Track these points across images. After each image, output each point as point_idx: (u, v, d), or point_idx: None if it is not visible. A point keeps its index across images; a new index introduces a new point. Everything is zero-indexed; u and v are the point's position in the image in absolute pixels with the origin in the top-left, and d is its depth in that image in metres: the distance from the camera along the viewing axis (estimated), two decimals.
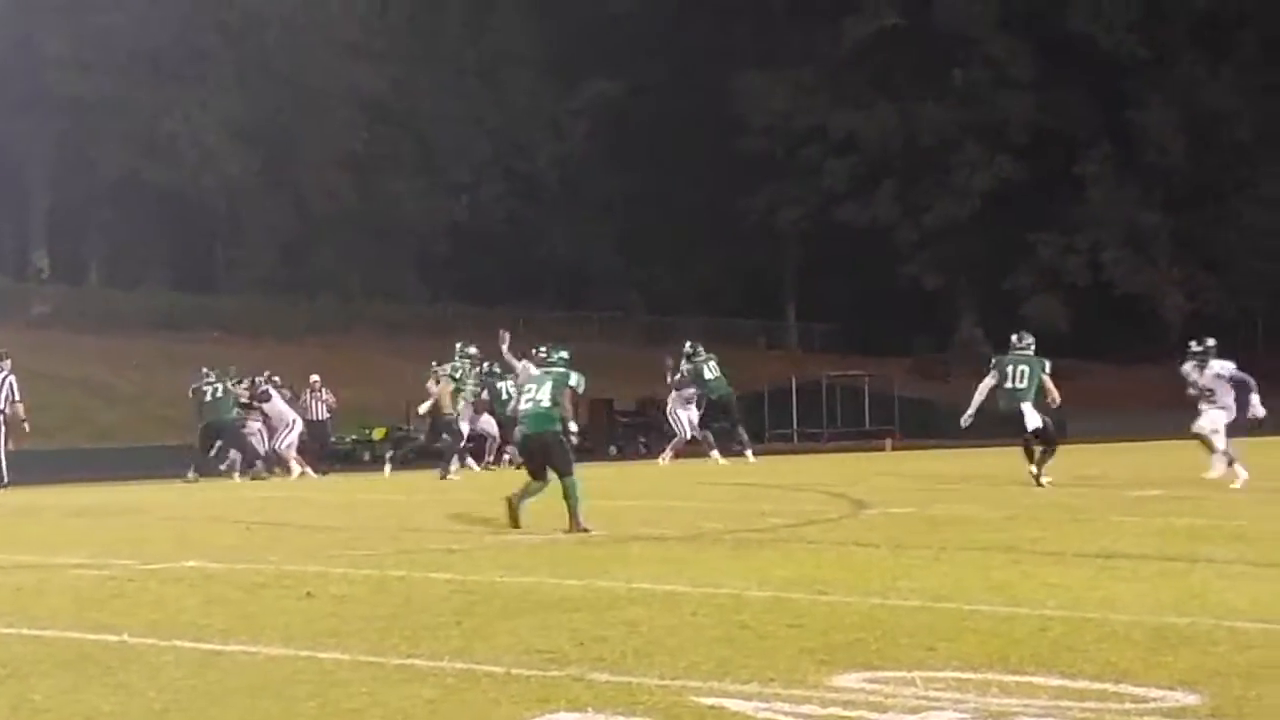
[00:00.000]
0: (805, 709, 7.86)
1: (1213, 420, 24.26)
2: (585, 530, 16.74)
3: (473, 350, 33.02)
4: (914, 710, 7.80)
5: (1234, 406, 24.14)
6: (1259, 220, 77.97)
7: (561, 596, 12.08)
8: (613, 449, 43.89)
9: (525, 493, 17.50)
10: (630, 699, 8.15)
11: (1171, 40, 78.75)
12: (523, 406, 17.66)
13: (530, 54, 76.06)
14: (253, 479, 32.68)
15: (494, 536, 17.06)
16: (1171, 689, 8.25)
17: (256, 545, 16.72)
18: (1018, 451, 27.19)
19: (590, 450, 35.87)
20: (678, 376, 33.86)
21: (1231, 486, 22.99)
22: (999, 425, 27.65)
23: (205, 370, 34.28)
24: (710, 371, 33.90)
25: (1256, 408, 24.36)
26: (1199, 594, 11.89)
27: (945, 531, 16.91)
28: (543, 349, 20.06)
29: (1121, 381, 70.65)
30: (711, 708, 7.92)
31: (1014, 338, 24.77)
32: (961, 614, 10.96)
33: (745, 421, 35.58)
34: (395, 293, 71.17)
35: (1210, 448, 24.54)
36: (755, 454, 34.38)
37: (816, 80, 77.98)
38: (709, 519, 18.72)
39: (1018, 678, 8.57)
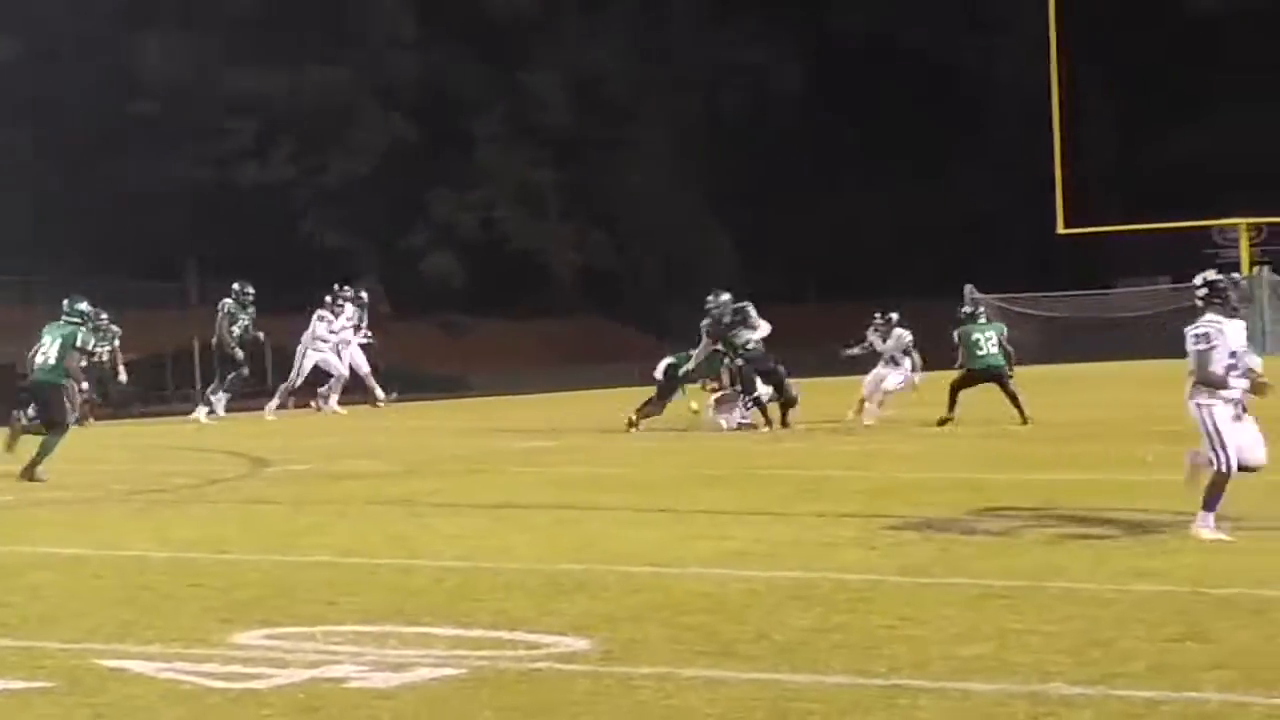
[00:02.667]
0: (207, 668, 8.00)
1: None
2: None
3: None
4: (313, 665, 8.01)
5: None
6: (637, 175, 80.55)
7: None
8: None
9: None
10: (33, 664, 8.15)
11: (556, 2, 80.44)
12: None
13: None
14: None
15: None
16: (564, 635, 8.69)
17: None
18: (416, 407, 27.66)
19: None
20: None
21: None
22: (389, 381, 27.82)
23: None
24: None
25: None
26: (592, 541, 12.42)
27: (347, 487, 17.13)
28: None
29: (516, 336, 71.68)
30: (113, 670, 7.99)
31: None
32: (364, 568, 11.22)
33: (151, 383, 35.31)
34: None
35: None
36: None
37: (214, 41, 76.89)
38: (114, 481, 18.49)
39: (416, 629, 8.88)
